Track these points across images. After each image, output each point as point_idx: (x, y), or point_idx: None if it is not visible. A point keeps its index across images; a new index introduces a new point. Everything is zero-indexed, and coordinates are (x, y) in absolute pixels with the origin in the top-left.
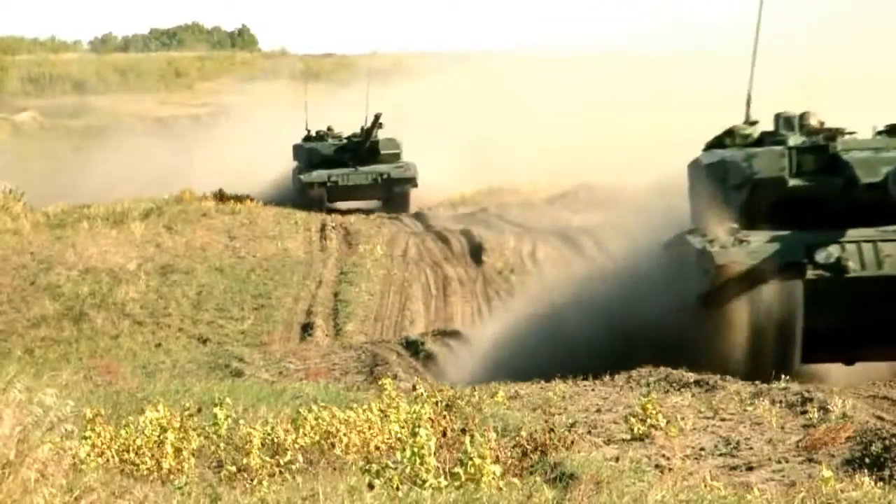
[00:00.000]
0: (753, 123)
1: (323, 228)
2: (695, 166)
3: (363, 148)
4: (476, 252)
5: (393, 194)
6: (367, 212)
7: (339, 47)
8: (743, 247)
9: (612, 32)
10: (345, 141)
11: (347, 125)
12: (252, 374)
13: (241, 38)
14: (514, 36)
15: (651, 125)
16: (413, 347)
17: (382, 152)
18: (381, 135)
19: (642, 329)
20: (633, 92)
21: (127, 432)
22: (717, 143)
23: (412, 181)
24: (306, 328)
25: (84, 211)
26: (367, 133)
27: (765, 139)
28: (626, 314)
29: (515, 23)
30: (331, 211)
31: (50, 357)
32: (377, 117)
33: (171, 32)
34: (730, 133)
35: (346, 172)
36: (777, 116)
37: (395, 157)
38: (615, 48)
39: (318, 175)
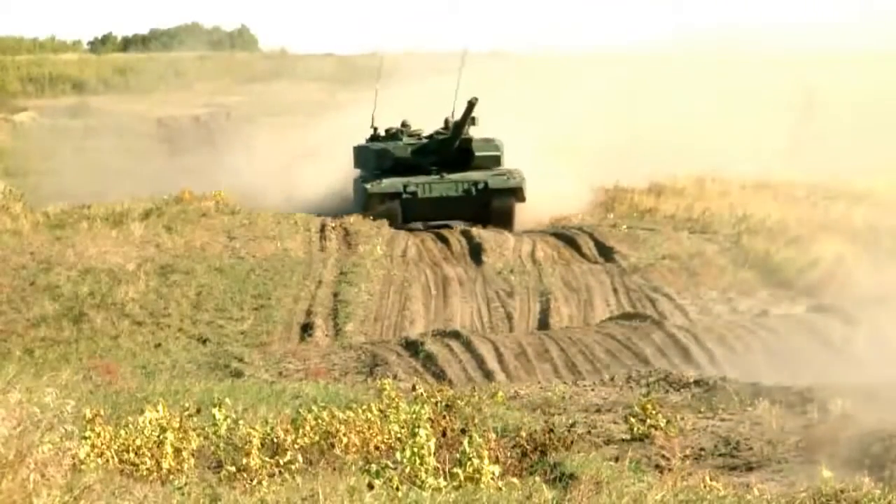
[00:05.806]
0: None
1: (323, 229)
2: None
3: (451, 148)
4: (476, 252)
5: (491, 210)
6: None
7: (339, 47)
8: None
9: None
10: (426, 140)
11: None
12: (252, 374)
13: (241, 38)
14: (518, 37)
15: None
16: (413, 347)
17: (477, 154)
18: (473, 133)
19: None
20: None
21: (127, 432)
22: None
23: (517, 193)
24: (306, 328)
25: (84, 211)
26: (458, 127)
27: None
28: None
29: (514, 23)
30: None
31: (50, 357)
32: (471, 104)
33: (171, 32)
34: None
35: (429, 181)
36: None
37: (494, 162)
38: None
39: (391, 184)
